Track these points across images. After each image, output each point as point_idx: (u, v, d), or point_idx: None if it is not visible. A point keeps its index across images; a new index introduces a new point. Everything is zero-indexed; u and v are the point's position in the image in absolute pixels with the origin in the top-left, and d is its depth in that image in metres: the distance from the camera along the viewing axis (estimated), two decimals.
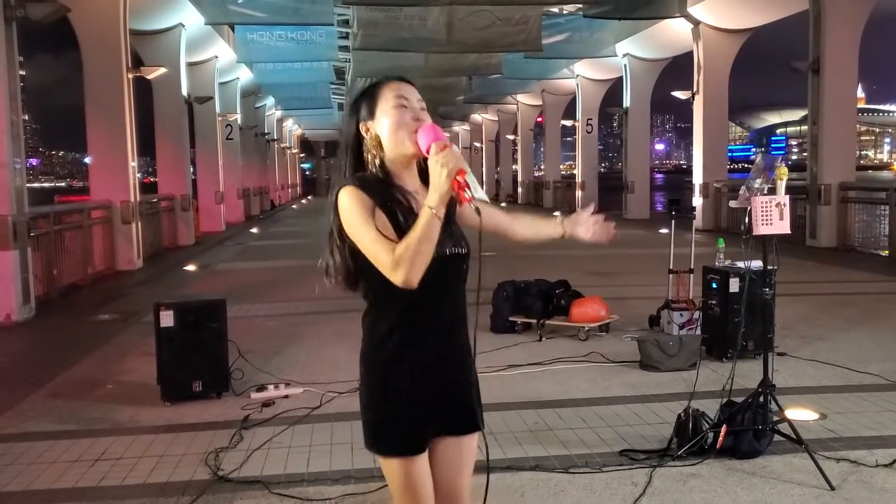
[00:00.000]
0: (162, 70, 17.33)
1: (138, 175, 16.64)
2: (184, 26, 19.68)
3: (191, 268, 15.46)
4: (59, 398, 6.60)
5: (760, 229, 4.89)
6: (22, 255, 10.29)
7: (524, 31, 18.03)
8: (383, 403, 2.51)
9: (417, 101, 2.49)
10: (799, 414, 5.49)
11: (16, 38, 10.41)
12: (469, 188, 2.24)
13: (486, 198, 2.48)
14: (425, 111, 2.48)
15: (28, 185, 11.24)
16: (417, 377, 2.49)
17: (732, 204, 5.66)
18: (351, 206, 2.38)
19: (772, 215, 4.86)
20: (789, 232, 5.00)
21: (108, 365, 7.71)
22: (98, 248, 14.58)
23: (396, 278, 2.26)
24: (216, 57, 24.48)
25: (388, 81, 2.53)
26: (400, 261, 2.24)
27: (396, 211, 2.39)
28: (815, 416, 5.60)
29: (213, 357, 6.33)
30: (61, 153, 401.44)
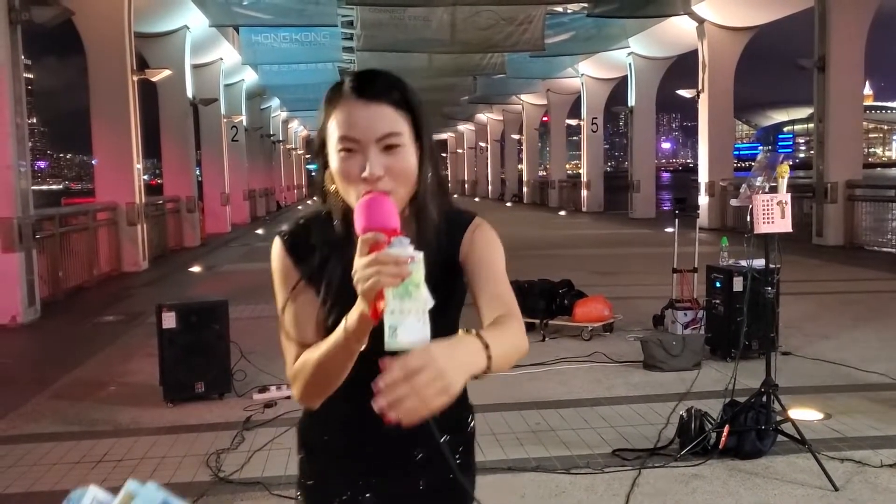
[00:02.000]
0: (167, 72, 17.36)
1: (144, 177, 16.65)
2: (188, 28, 19.72)
3: (196, 269, 15.49)
4: (62, 399, 6.61)
5: (762, 228, 4.86)
6: (27, 257, 10.31)
7: (527, 30, 18.03)
8: None
9: (382, 135, 1.55)
10: (802, 414, 5.45)
11: (20, 42, 10.43)
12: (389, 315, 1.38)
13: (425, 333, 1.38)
14: (394, 150, 1.57)
15: (36, 187, 11.27)
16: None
17: (733, 202, 5.64)
18: (273, 270, 1.76)
19: (773, 214, 4.83)
20: (791, 230, 4.97)
21: (112, 366, 7.72)
22: (103, 249, 14.61)
23: (293, 393, 1.70)
24: (221, 59, 24.54)
25: (340, 99, 1.59)
26: (295, 377, 1.65)
27: (336, 286, 1.63)
28: (820, 415, 5.57)
29: (216, 358, 6.33)
30: (69, 156, 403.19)
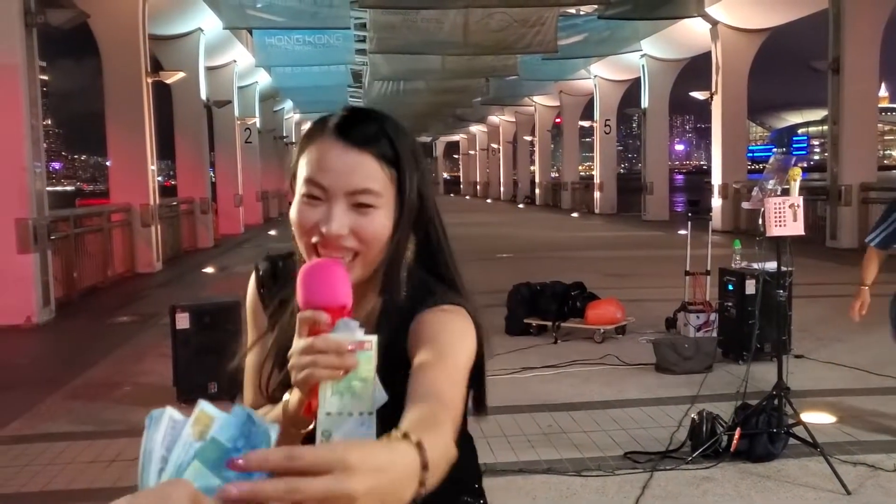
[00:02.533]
0: (181, 74, 17.43)
1: (158, 178, 16.74)
2: (202, 31, 19.81)
3: (210, 270, 15.56)
4: (77, 399, 6.66)
5: (774, 231, 4.85)
6: (42, 258, 10.37)
7: (540, 32, 18.02)
8: None
9: (354, 190, 1.31)
10: (815, 417, 5.44)
11: (36, 45, 10.50)
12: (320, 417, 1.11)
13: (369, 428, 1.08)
14: (365, 210, 1.32)
15: (51, 188, 11.34)
16: None
17: (745, 205, 5.65)
18: (246, 304, 1.58)
19: (785, 216, 4.82)
20: (803, 233, 4.96)
21: (126, 366, 7.77)
22: (118, 250, 14.69)
23: None
24: (235, 61, 24.63)
25: (320, 136, 1.35)
26: None
27: (281, 347, 1.37)
28: (832, 419, 5.55)
29: (229, 359, 6.35)
30: (83, 157, 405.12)
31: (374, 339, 1.13)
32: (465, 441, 1.57)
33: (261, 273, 1.54)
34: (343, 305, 1.19)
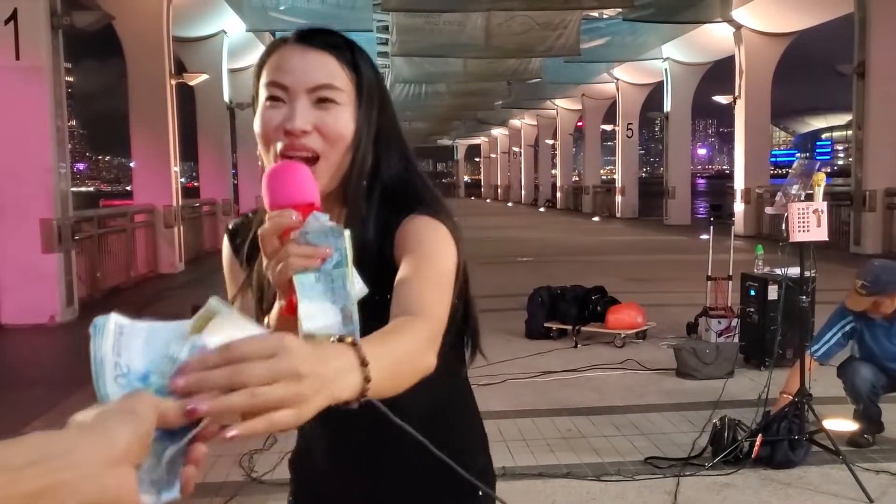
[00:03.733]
0: (204, 76, 17.56)
1: (181, 180, 16.86)
2: (226, 33, 19.93)
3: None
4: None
5: (797, 236, 4.82)
6: (66, 258, 10.47)
7: (562, 35, 18.01)
8: None
9: (315, 85, 1.31)
10: (837, 424, 5.38)
11: (62, 46, 10.61)
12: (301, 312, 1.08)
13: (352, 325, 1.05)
14: (327, 105, 1.32)
15: (75, 189, 11.45)
16: None
17: (769, 210, 5.60)
18: (223, 265, 1.58)
19: (809, 222, 4.79)
20: (826, 239, 4.93)
21: None
22: (141, 251, 14.80)
23: None
24: None
25: (280, 47, 1.36)
26: None
27: (261, 284, 1.37)
28: (855, 426, 5.49)
29: None
30: (107, 158, 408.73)
31: (346, 231, 1.10)
32: (464, 396, 1.58)
33: (231, 228, 1.54)
34: (311, 203, 1.16)
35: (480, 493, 1.49)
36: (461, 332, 1.50)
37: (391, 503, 1.52)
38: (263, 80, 1.34)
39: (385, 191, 1.42)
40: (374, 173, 1.41)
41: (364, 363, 0.92)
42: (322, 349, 0.90)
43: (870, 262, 5.30)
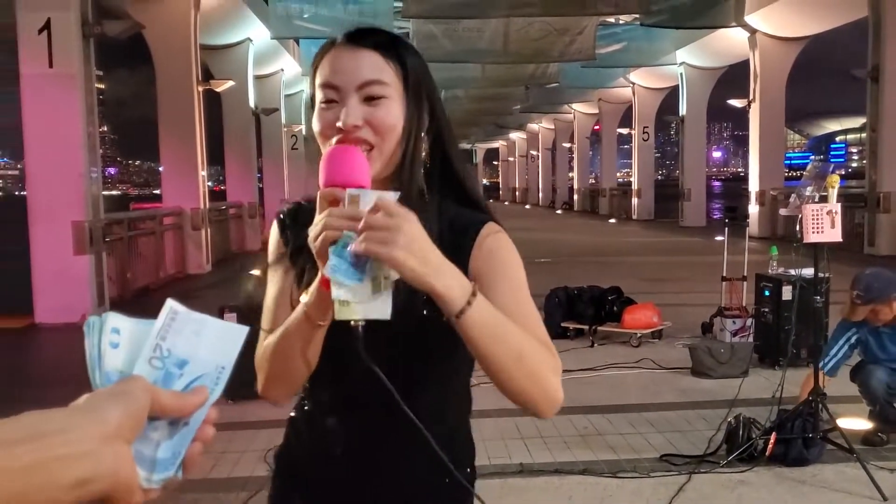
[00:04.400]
0: (230, 83, 17.66)
1: (208, 183, 16.97)
2: (251, 41, 20.04)
3: (257, 272, 15.68)
4: None
5: (811, 237, 4.79)
6: (97, 259, 10.57)
7: (578, 40, 17.97)
8: None
9: (364, 82, 1.34)
10: (851, 423, 5.34)
11: (93, 54, 10.71)
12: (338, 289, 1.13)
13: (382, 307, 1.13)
14: (376, 101, 1.34)
15: (106, 192, 11.55)
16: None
17: (783, 212, 5.59)
18: (269, 251, 1.56)
19: (823, 223, 4.76)
20: (840, 240, 4.89)
21: None
22: (169, 252, 14.91)
23: (258, 385, 1.47)
24: (282, 70, 24.86)
25: (331, 49, 1.39)
26: (258, 365, 1.45)
27: (307, 267, 1.37)
28: (869, 424, 5.44)
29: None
30: (137, 162, 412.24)
31: (395, 194, 1.18)
32: (465, 397, 1.55)
33: (282, 216, 1.54)
34: (361, 184, 1.19)
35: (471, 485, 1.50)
36: None
37: (385, 494, 1.47)
38: (318, 81, 1.38)
39: (442, 181, 1.44)
40: (429, 163, 1.43)
41: (475, 294, 1.15)
42: (449, 265, 1.17)
43: (860, 272, 5.25)
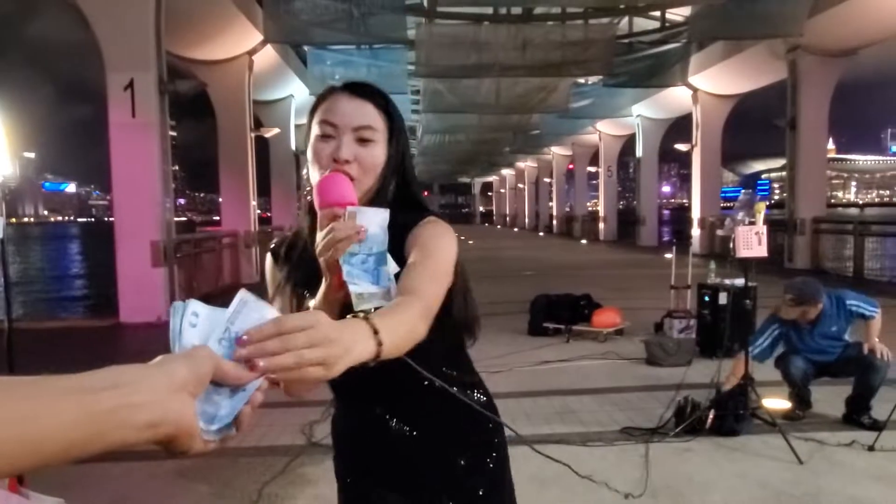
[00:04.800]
0: (276, 130, 17.74)
1: (257, 211, 17.01)
2: (293, 96, 20.12)
3: None
4: None
5: (742, 253, 4.81)
6: (169, 271, 10.59)
7: (555, 96, 18.05)
8: None
9: (359, 126, 1.35)
10: (774, 402, 5.34)
11: (167, 107, 10.78)
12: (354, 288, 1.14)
13: (385, 291, 1.15)
14: (367, 144, 1.35)
15: (176, 218, 11.59)
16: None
17: (719, 232, 5.61)
18: (266, 281, 1.57)
19: (752, 241, 4.78)
20: (766, 255, 4.91)
21: None
22: (226, 265, 14.94)
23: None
24: None
25: (330, 94, 1.40)
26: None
27: (302, 283, 1.43)
28: (788, 404, 5.45)
29: None
30: (201, 194, 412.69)
31: (385, 211, 1.18)
32: (460, 349, 1.53)
33: (274, 248, 1.55)
34: (352, 202, 1.23)
35: (491, 425, 1.50)
36: (459, 319, 1.45)
37: (424, 442, 1.45)
38: (317, 118, 1.38)
39: (403, 203, 1.43)
40: (395, 191, 1.44)
41: (376, 332, 0.95)
42: (343, 323, 0.93)
43: (791, 280, 5.26)
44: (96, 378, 0.66)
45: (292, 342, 0.81)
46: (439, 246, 1.32)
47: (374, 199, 1.37)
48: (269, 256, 1.54)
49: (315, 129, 1.37)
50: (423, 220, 1.38)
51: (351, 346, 0.89)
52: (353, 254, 1.15)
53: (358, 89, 1.39)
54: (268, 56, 16.09)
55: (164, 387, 0.69)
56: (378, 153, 1.36)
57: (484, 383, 1.59)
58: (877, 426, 4.71)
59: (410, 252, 1.30)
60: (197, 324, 0.81)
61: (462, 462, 1.44)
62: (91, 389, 0.64)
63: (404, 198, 1.44)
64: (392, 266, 1.17)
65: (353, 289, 1.13)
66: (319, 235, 1.18)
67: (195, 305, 0.82)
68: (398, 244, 1.29)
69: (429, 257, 1.27)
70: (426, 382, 1.29)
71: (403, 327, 1.05)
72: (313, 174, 1.36)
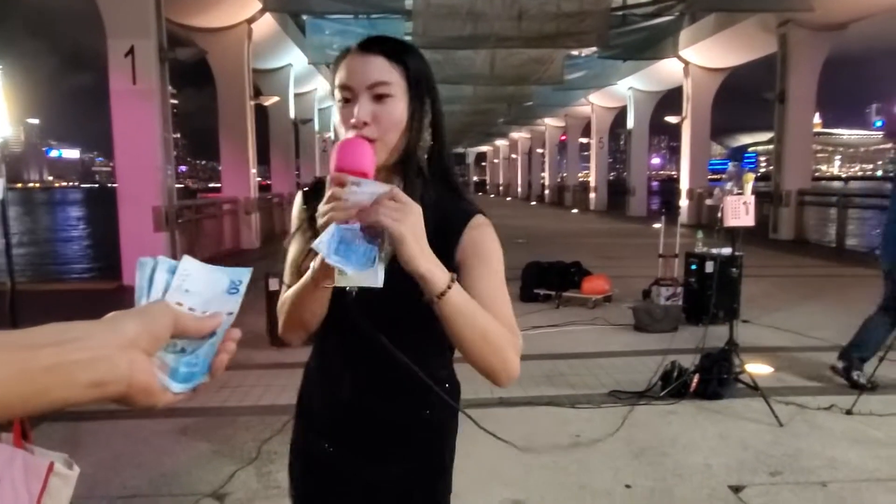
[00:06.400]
0: (275, 99, 17.52)
1: (257, 178, 16.89)
2: (292, 65, 19.86)
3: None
4: None
5: (730, 222, 4.79)
6: (171, 236, 10.54)
7: (550, 68, 17.83)
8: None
9: (372, 83, 1.26)
10: (757, 367, 5.38)
11: (167, 74, 10.62)
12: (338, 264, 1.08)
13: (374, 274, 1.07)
14: (383, 99, 1.26)
15: (178, 185, 11.49)
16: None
17: (708, 202, 5.56)
18: (293, 215, 1.48)
19: (739, 211, 4.76)
20: (753, 225, 4.89)
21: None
22: (227, 231, 14.87)
23: (279, 328, 1.41)
24: (316, 88, 24.63)
25: (343, 56, 1.31)
26: (279, 312, 1.39)
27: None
28: (770, 369, 5.49)
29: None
30: (202, 162, 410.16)
31: (392, 187, 1.09)
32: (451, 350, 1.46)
33: (306, 190, 1.46)
34: (365, 171, 1.12)
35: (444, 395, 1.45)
36: None
37: (386, 414, 1.41)
38: (336, 83, 1.30)
39: (434, 170, 1.34)
40: (429, 153, 1.34)
41: (453, 281, 1.09)
42: (435, 257, 1.10)
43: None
44: (38, 334, 0.62)
45: (386, 204, 1.06)
46: (500, 264, 1.33)
47: (406, 157, 1.29)
48: (299, 195, 1.46)
49: (336, 95, 1.30)
50: (474, 220, 1.32)
51: (429, 254, 1.08)
52: (347, 228, 1.09)
53: (368, 45, 1.29)
54: (267, 24, 15.83)
55: (112, 343, 0.65)
56: (395, 108, 1.26)
57: (455, 376, 1.53)
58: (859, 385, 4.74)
59: (466, 262, 1.27)
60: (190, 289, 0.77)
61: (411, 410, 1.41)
62: (31, 346, 0.60)
63: (438, 170, 1.34)
64: (387, 250, 1.10)
65: (334, 261, 1.07)
66: (324, 199, 1.13)
67: (168, 262, 0.77)
68: (442, 238, 1.21)
69: (499, 282, 1.30)
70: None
71: (489, 327, 1.17)
72: (339, 128, 1.30)
